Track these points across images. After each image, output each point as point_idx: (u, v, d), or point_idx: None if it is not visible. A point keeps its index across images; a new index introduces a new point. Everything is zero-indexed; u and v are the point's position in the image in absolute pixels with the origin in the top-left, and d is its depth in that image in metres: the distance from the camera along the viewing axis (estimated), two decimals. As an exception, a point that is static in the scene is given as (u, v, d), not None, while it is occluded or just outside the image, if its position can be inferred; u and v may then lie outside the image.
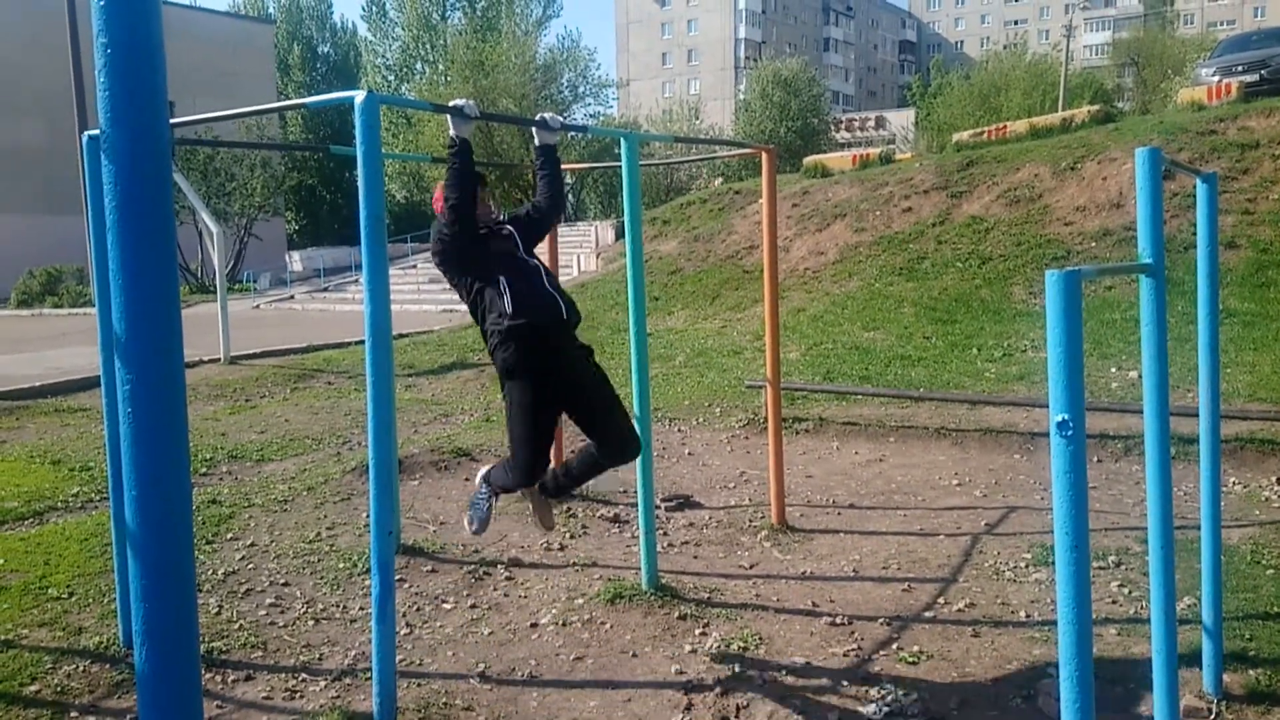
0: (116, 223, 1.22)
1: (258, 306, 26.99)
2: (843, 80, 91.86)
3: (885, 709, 3.61)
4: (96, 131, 1.46)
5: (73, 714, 3.63)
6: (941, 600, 4.65)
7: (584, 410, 4.06)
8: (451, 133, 3.86)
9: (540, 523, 4.42)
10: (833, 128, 52.45)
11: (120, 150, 1.22)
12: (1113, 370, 9.14)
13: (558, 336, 3.99)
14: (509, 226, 4.12)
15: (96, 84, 1.22)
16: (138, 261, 1.22)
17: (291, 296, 28.67)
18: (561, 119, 4.34)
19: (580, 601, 4.70)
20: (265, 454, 8.14)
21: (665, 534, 5.75)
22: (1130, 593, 4.58)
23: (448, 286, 4.18)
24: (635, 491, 5.07)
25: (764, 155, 5.66)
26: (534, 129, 4.24)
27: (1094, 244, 12.76)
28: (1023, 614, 4.42)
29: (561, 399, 4.01)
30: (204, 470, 7.60)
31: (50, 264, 29.92)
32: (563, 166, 7.23)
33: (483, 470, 4.39)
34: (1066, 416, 1.95)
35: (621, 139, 4.72)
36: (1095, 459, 6.99)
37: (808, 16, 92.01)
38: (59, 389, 11.69)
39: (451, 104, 3.78)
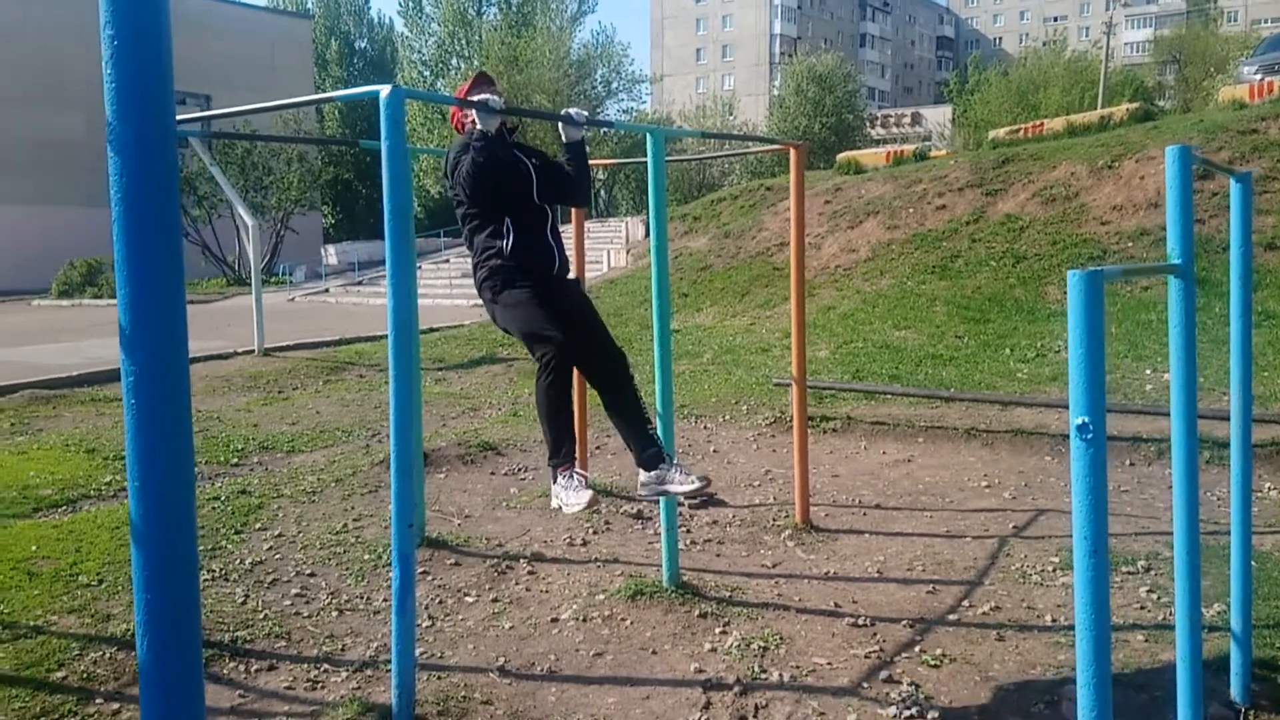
0: (122, 214, 1.23)
1: (293, 299, 27.24)
2: (879, 76, 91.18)
3: (905, 711, 3.57)
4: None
5: (98, 700, 3.68)
6: (966, 603, 4.60)
7: (573, 330, 4.02)
8: (479, 128, 3.86)
9: (585, 503, 3.97)
10: (868, 124, 52.15)
11: (126, 142, 1.22)
12: (1148, 372, 9.00)
13: (547, 281, 4.06)
14: (534, 161, 4.08)
15: (104, 76, 1.23)
16: (143, 253, 1.23)
17: (326, 290, 28.90)
18: (586, 114, 4.32)
19: (601, 597, 4.70)
20: (296, 445, 8.22)
21: (688, 531, 5.73)
22: (1159, 598, 4.50)
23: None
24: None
25: (792, 151, 5.63)
26: (560, 124, 4.23)
27: (1131, 244, 12.57)
28: (1048, 618, 4.36)
29: (554, 309, 4.00)
30: (235, 461, 7.69)
31: (91, 255, 30.37)
32: (594, 162, 7.25)
33: (551, 470, 4.06)
34: (1087, 419, 1.92)
35: (648, 134, 4.71)
36: (1128, 462, 6.90)
37: (844, 12, 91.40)
38: (96, 378, 11.88)
39: (477, 98, 3.79)
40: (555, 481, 4.01)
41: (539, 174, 4.15)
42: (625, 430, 4.12)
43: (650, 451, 4.05)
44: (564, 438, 4.04)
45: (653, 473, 4.03)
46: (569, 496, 3.92)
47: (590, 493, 3.92)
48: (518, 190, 4.04)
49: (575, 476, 3.96)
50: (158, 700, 1.31)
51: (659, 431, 4.31)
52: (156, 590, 1.28)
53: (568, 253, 4.29)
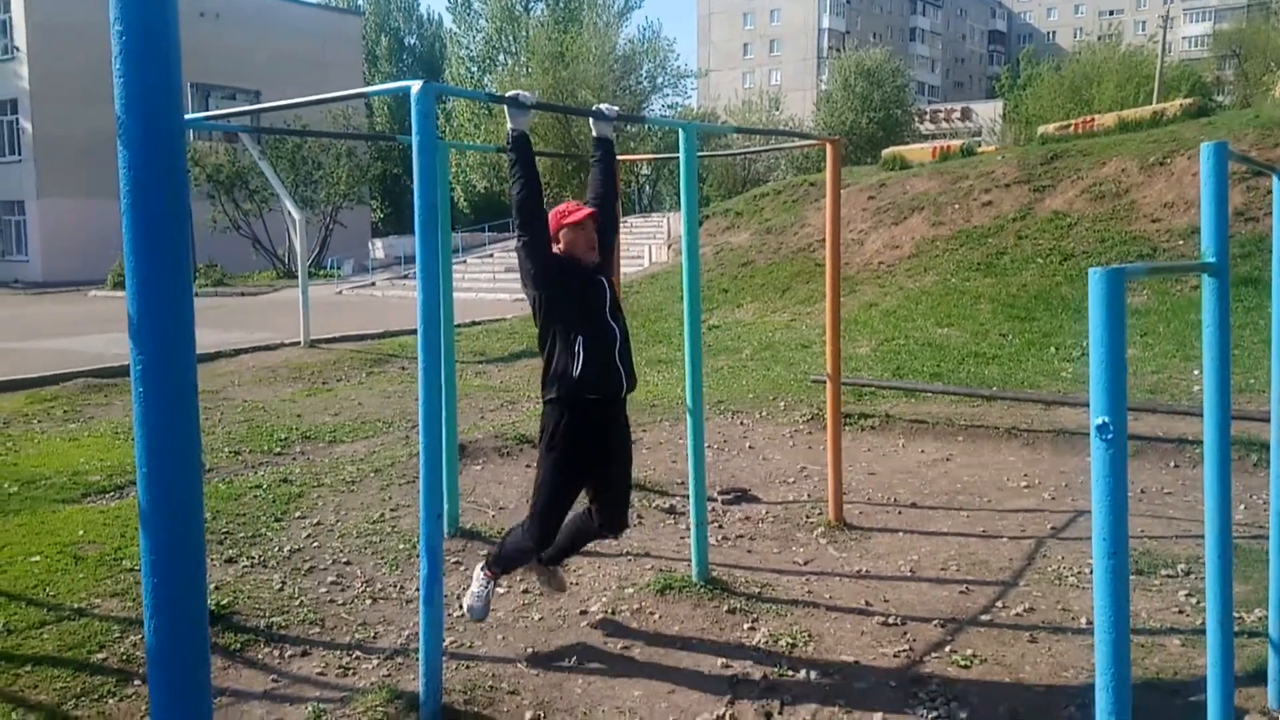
0: (129, 208, 1.26)
1: (340, 292, 27.61)
2: (929, 71, 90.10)
3: (933, 712, 3.54)
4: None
5: (135, 682, 3.77)
6: (1000, 604, 4.55)
7: (604, 482, 4.05)
8: (509, 126, 3.88)
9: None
10: (917, 119, 51.53)
11: (133, 137, 1.25)
12: (1195, 373, 8.82)
13: (612, 408, 3.99)
14: (604, 279, 4.02)
15: (113, 71, 1.26)
16: (151, 245, 1.26)
17: (373, 283, 29.25)
18: (617, 109, 4.33)
19: (630, 591, 4.72)
20: (337, 436, 8.34)
21: (720, 527, 5.73)
22: (1198, 603, 4.41)
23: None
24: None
25: (828, 147, 5.59)
26: (590, 120, 4.24)
27: (1182, 242, 12.31)
28: (1083, 621, 4.30)
29: (593, 469, 4.00)
30: (278, 450, 7.81)
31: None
32: (631, 157, 7.26)
33: (480, 565, 4.26)
34: (1107, 419, 1.89)
35: (680, 130, 4.70)
36: (1173, 464, 6.77)
37: (894, 6, 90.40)
38: (146, 368, 12.13)
39: (508, 94, 3.81)
40: (481, 576, 4.20)
41: (611, 280, 4.07)
42: (572, 539, 4.25)
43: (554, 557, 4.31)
44: (512, 564, 4.24)
45: (545, 565, 4.33)
46: (477, 599, 4.15)
47: (478, 615, 4.18)
48: (594, 306, 3.94)
49: (493, 587, 4.21)
50: (164, 684, 1.34)
51: (690, 435, 4.50)
52: (163, 574, 1.31)
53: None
